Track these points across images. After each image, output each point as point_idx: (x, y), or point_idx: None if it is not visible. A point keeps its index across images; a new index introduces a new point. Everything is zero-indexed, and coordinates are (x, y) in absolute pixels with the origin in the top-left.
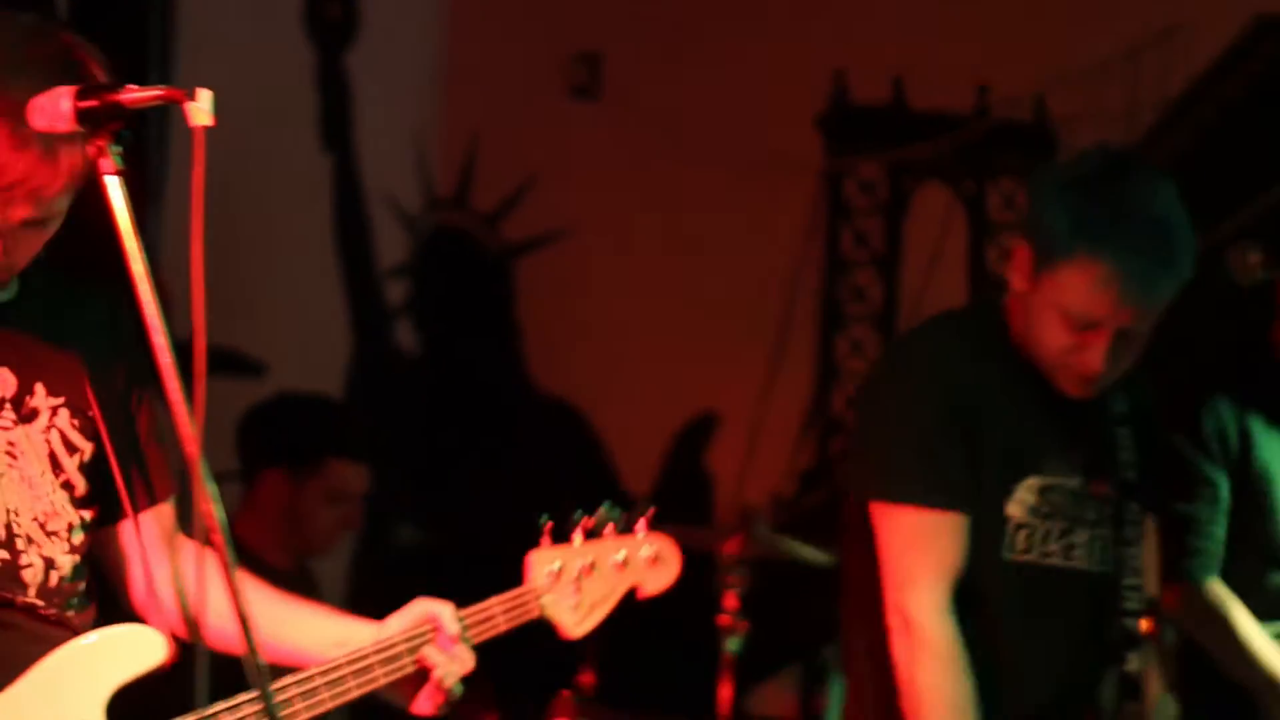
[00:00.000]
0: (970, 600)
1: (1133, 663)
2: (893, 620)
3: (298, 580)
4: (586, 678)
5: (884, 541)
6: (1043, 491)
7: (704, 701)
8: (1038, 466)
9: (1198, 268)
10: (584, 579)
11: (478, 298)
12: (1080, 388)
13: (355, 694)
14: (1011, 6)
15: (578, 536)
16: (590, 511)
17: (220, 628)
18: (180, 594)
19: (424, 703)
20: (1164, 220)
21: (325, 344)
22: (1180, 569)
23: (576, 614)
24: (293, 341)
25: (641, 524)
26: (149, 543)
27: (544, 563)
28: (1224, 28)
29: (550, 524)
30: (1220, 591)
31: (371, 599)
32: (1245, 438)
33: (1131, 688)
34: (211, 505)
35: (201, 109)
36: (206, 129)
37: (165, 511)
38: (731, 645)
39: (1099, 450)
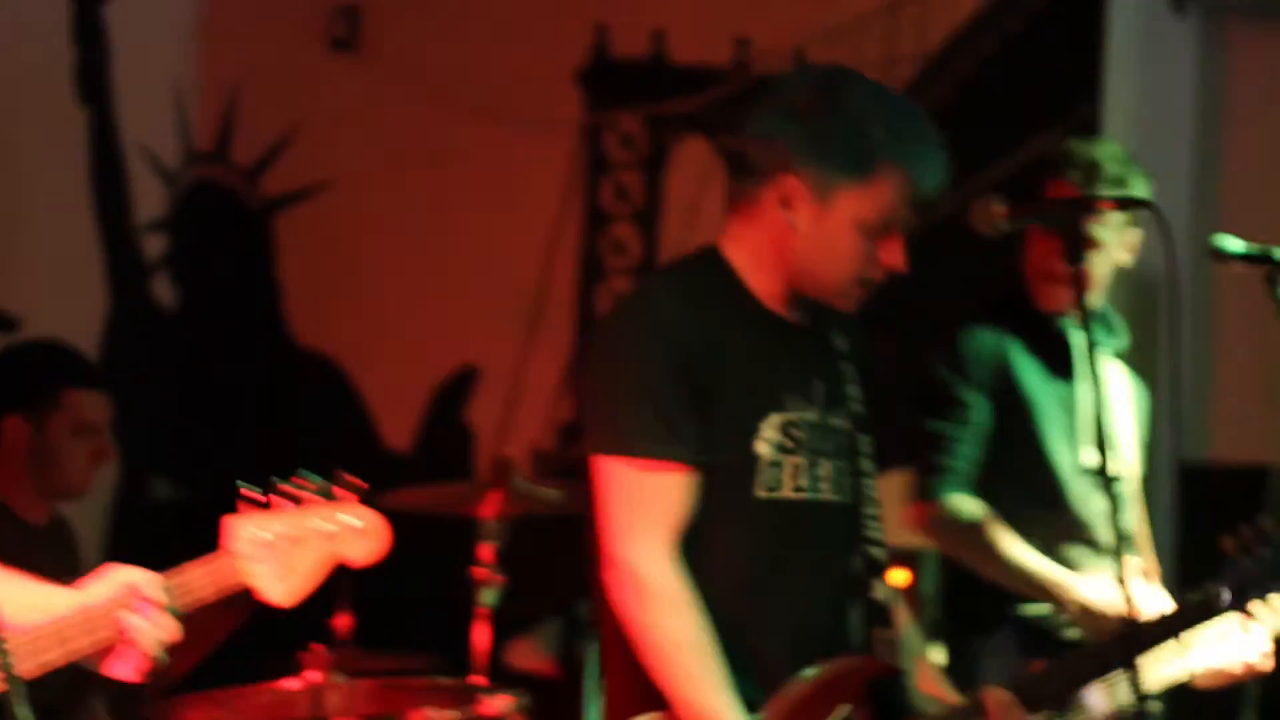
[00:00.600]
0: (722, 543)
1: (879, 590)
2: (614, 575)
3: (53, 536)
4: (343, 622)
5: (604, 495)
6: (785, 427)
7: (461, 654)
8: (779, 403)
9: (958, 219)
10: (287, 547)
11: (237, 252)
12: (859, 298)
13: (58, 661)
14: None
15: (282, 503)
16: (293, 478)
17: None
18: None
19: (124, 667)
20: (918, 111)
21: (81, 299)
22: (928, 486)
23: (281, 583)
24: (47, 296)
25: (347, 494)
26: None
27: (245, 529)
28: None
29: (251, 491)
30: (970, 505)
31: (128, 554)
32: (1005, 366)
33: (879, 615)
34: None
35: None
36: None
37: None
38: (487, 598)
39: (830, 384)
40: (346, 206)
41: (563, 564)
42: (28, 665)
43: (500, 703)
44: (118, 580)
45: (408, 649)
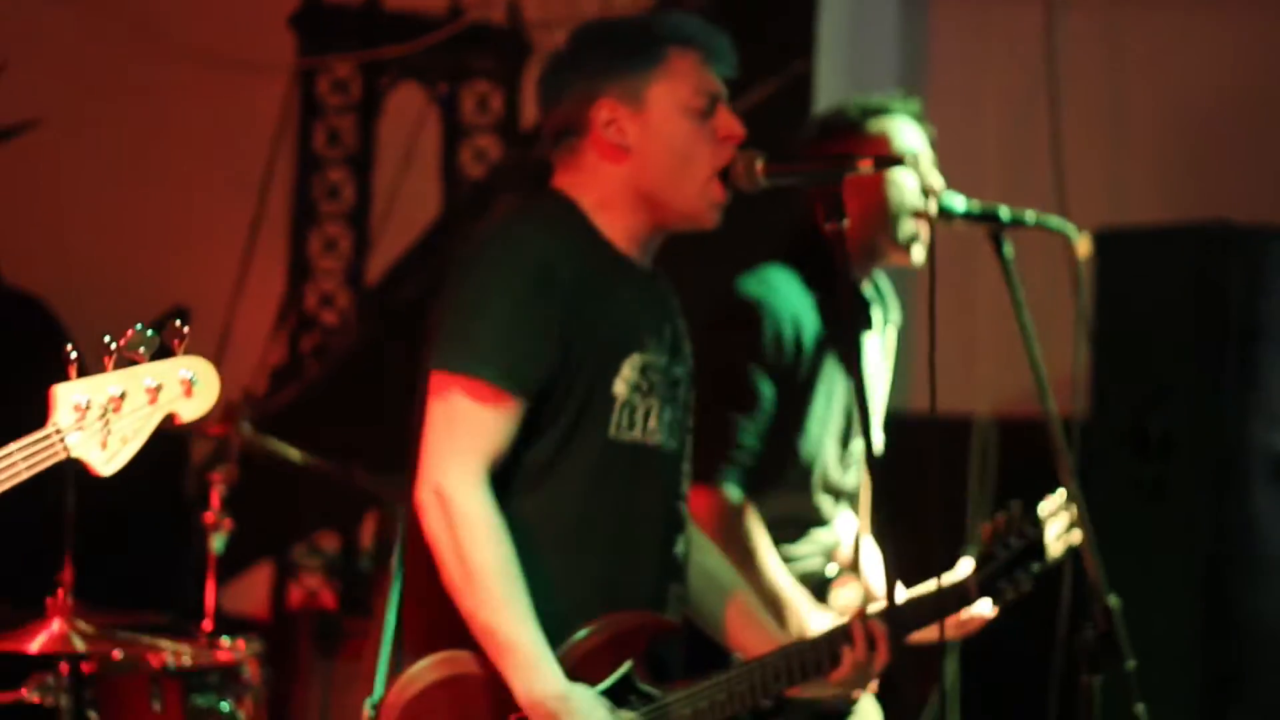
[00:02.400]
0: (570, 479)
1: (679, 545)
2: (425, 496)
3: None
4: (65, 575)
5: (431, 412)
6: (643, 369)
7: (174, 598)
8: (639, 344)
9: None
10: (113, 412)
11: None
12: (721, 201)
13: None
14: None
15: (109, 364)
16: (119, 335)
17: None
18: None
19: None
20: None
21: None
22: (710, 472)
23: (106, 451)
24: None
25: (177, 345)
26: None
27: (68, 397)
28: None
29: (77, 355)
30: (744, 505)
31: None
32: (799, 345)
33: (676, 569)
34: None
35: None
36: None
37: None
38: (217, 544)
39: (674, 333)
40: (56, 146)
41: (274, 510)
42: None
43: (237, 648)
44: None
45: (127, 597)
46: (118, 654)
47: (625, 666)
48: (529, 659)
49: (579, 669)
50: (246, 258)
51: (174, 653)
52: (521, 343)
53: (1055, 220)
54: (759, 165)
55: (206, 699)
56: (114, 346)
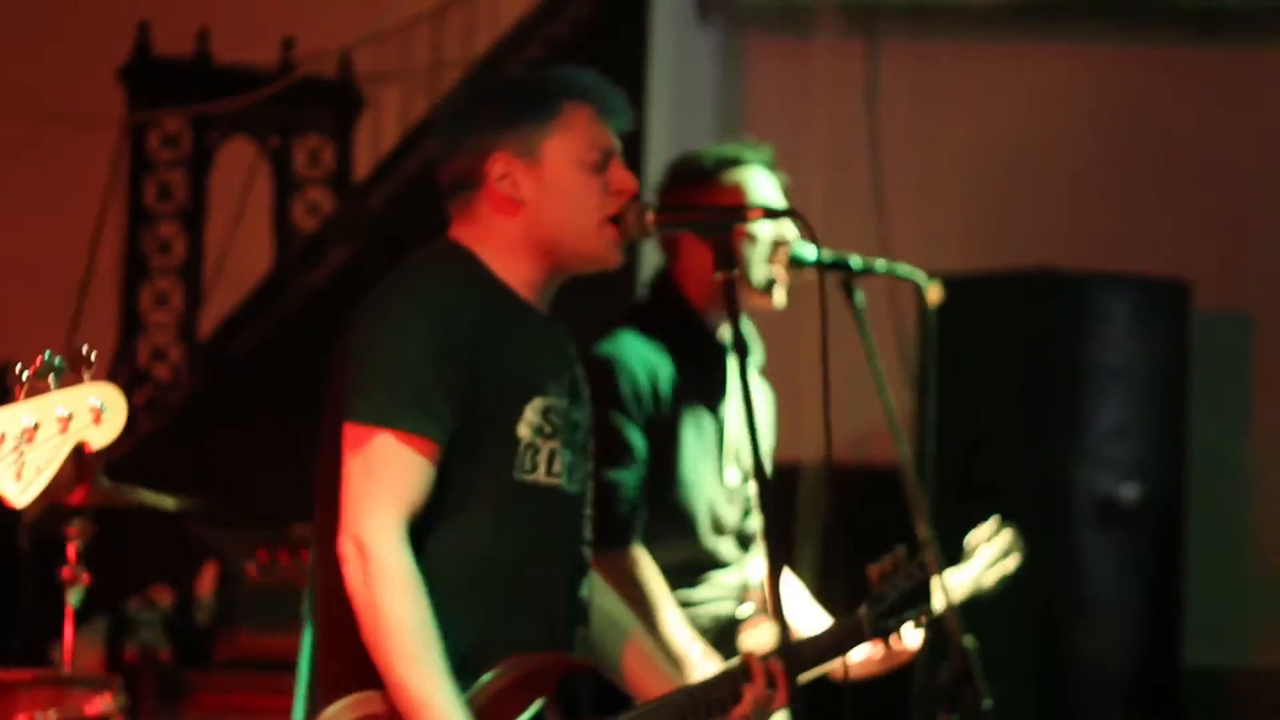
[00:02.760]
0: (476, 524)
1: (583, 588)
2: (346, 548)
3: None
4: None
5: (348, 465)
6: (545, 412)
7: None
8: (541, 388)
9: None
10: (26, 443)
11: None
12: (618, 242)
13: None
14: None
15: (20, 394)
16: (29, 365)
17: None
18: None
19: None
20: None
21: None
22: (604, 536)
23: (20, 482)
24: None
25: (85, 372)
26: None
27: None
28: None
29: None
30: (640, 558)
31: None
32: (656, 394)
33: (581, 612)
34: None
35: None
36: None
37: None
38: (74, 598)
39: (573, 377)
40: None
41: (110, 561)
42: None
43: (103, 701)
44: None
45: None
46: None
47: (536, 706)
48: (439, 714)
49: (488, 711)
50: (77, 312)
51: (41, 708)
52: (433, 389)
53: (905, 268)
54: (649, 216)
55: None
56: (24, 376)
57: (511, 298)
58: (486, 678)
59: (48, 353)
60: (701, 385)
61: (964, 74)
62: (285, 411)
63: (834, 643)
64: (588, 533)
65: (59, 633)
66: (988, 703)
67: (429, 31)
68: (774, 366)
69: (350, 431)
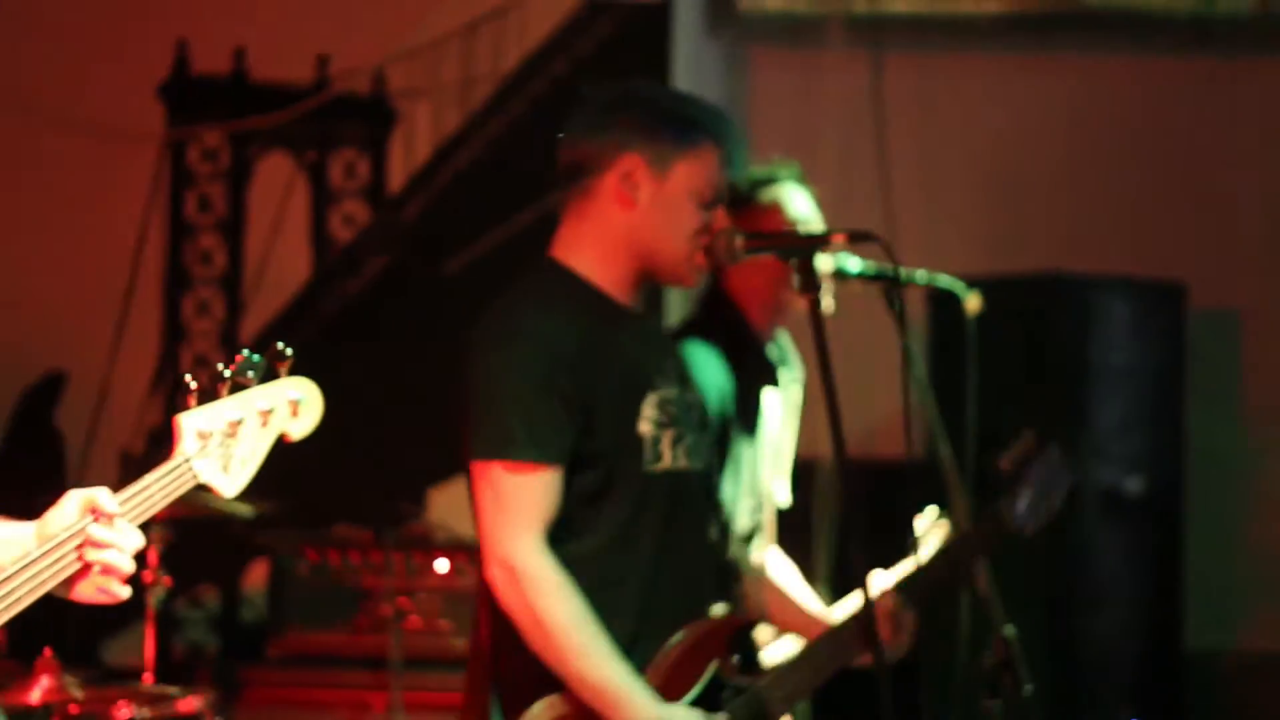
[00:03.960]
0: (618, 519)
1: (730, 548)
2: (494, 573)
3: None
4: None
5: (478, 499)
6: (660, 404)
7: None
8: (652, 383)
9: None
10: (230, 436)
11: None
12: (700, 270)
13: (28, 600)
14: None
15: (224, 391)
16: (230, 363)
17: None
18: None
19: (93, 589)
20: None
21: None
22: None
23: (228, 475)
24: None
25: (282, 368)
26: None
27: (191, 425)
28: (555, 8)
29: (196, 385)
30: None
31: None
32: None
33: (732, 572)
34: None
35: None
36: None
37: None
38: (155, 600)
39: (676, 363)
40: None
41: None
42: None
43: (195, 701)
44: (77, 501)
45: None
46: (75, 708)
47: (711, 668)
48: (621, 694)
49: (668, 685)
50: (121, 322)
51: (138, 705)
52: (543, 417)
53: (945, 278)
54: (738, 241)
55: None
56: (227, 374)
57: (610, 305)
58: (659, 655)
59: (246, 350)
60: (746, 398)
61: (967, 84)
62: (324, 415)
63: (974, 543)
64: (719, 502)
65: (107, 632)
66: (1028, 689)
67: (459, 48)
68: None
69: (474, 469)
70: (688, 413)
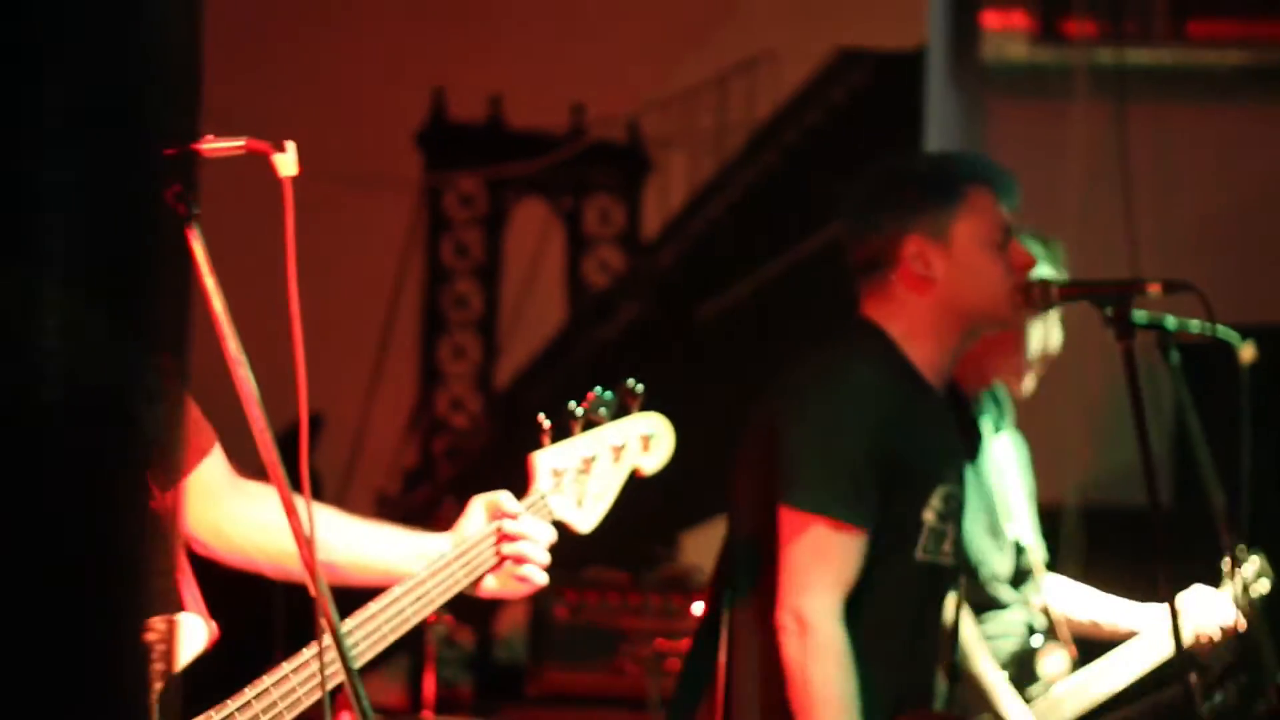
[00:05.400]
0: (881, 600)
1: (957, 650)
2: (785, 620)
3: None
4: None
5: (788, 547)
6: (947, 498)
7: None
8: (942, 475)
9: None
10: (584, 473)
11: None
12: (1022, 310)
13: (439, 600)
14: (607, 33)
15: (577, 429)
16: (582, 401)
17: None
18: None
19: (507, 581)
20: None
21: None
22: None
23: (582, 510)
24: None
25: (633, 404)
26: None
27: (546, 463)
28: (807, 58)
29: (550, 423)
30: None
31: None
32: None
33: (955, 673)
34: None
35: (288, 160)
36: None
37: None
38: (437, 638)
39: (960, 456)
40: None
41: None
42: (408, 616)
43: None
44: (484, 505)
45: None
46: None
47: None
48: None
49: None
50: (378, 365)
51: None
52: (864, 477)
53: (1222, 329)
54: (1054, 290)
55: None
56: (579, 411)
57: (920, 381)
58: None
59: (599, 388)
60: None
61: (1207, 134)
62: None
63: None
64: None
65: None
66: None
67: (713, 98)
68: (1035, 410)
69: (789, 516)
70: (960, 509)
